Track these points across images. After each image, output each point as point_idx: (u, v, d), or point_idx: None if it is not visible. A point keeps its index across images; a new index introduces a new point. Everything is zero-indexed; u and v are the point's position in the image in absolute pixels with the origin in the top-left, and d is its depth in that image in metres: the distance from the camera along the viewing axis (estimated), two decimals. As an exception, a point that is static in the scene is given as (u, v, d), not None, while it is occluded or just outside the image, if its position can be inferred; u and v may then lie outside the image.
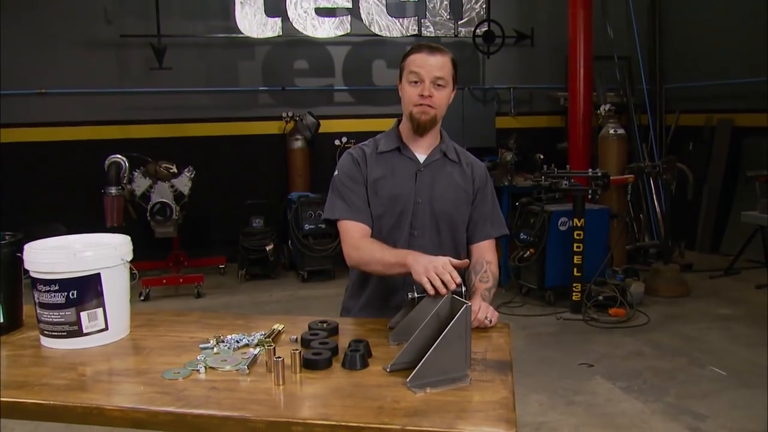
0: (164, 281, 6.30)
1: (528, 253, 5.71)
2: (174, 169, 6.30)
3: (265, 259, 6.75)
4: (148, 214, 6.19)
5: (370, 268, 2.12)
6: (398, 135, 2.28)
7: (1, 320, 1.96)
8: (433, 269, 1.82)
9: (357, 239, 2.16)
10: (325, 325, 1.96)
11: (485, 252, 2.28)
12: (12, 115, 6.85)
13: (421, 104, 2.14)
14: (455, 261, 1.88)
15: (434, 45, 2.18)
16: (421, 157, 2.25)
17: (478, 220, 2.29)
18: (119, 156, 6.00)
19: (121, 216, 5.96)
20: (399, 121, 2.30)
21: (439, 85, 2.13)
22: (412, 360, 1.63)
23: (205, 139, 7.40)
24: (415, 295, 1.88)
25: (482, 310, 1.99)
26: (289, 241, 6.94)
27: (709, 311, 5.47)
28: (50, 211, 6.73)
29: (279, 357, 1.60)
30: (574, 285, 5.44)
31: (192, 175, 6.42)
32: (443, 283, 1.79)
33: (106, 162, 5.99)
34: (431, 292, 1.80)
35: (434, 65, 2.12)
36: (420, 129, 2.20)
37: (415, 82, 2.14)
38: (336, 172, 2.27)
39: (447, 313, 1.70)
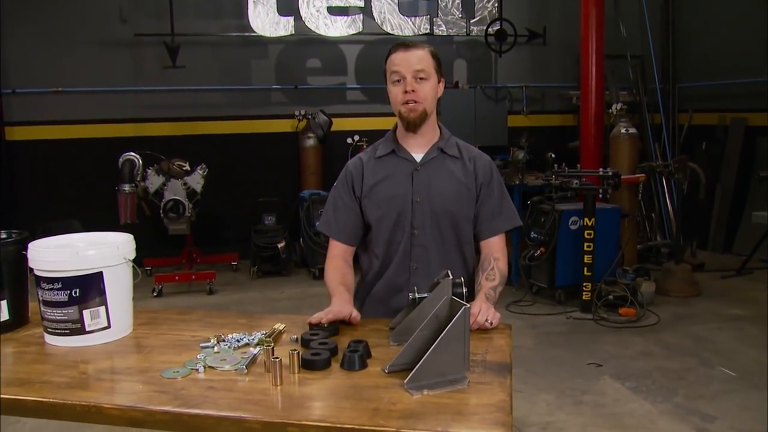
0: (177, 278, 6.35)
1: (538, 251, 5.69)
2: (187, 167, 6.35)
3: (277, 256, 6.79)
4: (161, 212, 6.24)
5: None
6: (394, 138, 2.29)
7: (7, 317, 1.99)
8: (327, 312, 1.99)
9: (330, 264, 2.28)
10: (326, 325, 1.97)
11: (494, 248, 2.26)
12: (28, 113, 6.95)
13: (407, 102, 2.15)
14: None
15: (410, 41, 2.18)
16: (418, 156, 2.25)
17: (485, 216, 2.27)
18: (133, 153, 6.05)
19: (134, 213, 6.01)
20: (396, 125, 2.31)
21: (421, 79, 2.13)
22: (410, 361, 1.62)
23: (218, 137, 7.45)
24: (416, 295, 1.89)
25: (482, 312, 1.97)
26: (301, 239, 6.96)
27: (720, 311, 5.43)
28: (66, 207, 6.80)
29: (277, 357, 1.60)
30: (585, 284, 5.42)
31: (205, 173, 6.45)
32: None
33: (120, 159, 6.04)
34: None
35: (412, 60, 2.12)
36: (411, 126, 2.21)
37: (398, 81, 2.15)
38: (335, 183, 2.35)
39: (446, 314, 1.70)
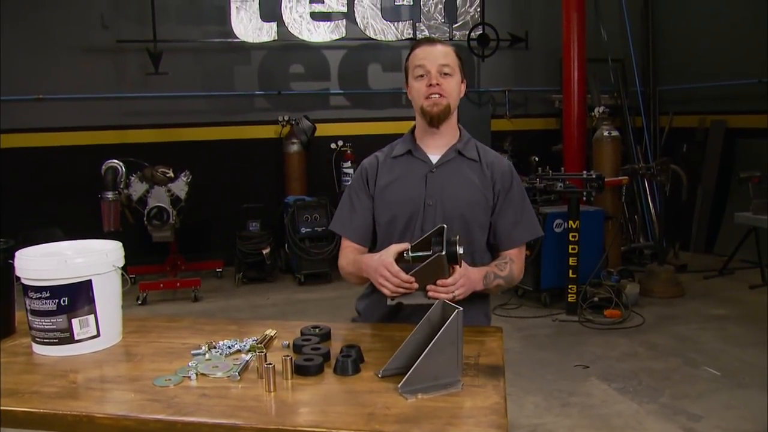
0: (161, 285, 6.29)
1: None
2: (171, 174, 6.29)
3: (262, 262, 6.76)
4: (145, 219, 6.18)
5: (352, 281, 2.24)
6: (412, 138, 2.24)
7: (-7, 327, 1.97)
8: (380, 277, 1.92)
9: (344, 259, 2.23)
10: (317, 330, 1.95)
11: (511, 253, 2.22)
12: (9, 120, 6.84)
13: (430, 95, 2.09)
14: (399, 246, 1.95)
15: (435, 38, 2.17)
16: (434, 158, 2.19)
17: (504, 226, 2.19)
18: (116, 161, 6.01)
19: (118, 221, 5.97)
20: (415, 126, 2.26)
21: (446, 74, 2.09)
22: (403, 365, 1.63)
23: (202, 143, 7.40)
24: (410, 254, 1.90)
25: (458, 285, 1.92)
26: (286, 245, 6.94)
27: (703, 312, 5.48)
28: (48, 216, 6.72)
29: (270, 363, 1.60)
30: (570, 286, 5.45)
31: (189, 180, 6.40)
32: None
33: (103, 167, 6.00)
34: (390, 296, 1.92)
35: (437, 54, 2.09)
36: (434, 121, 2.14)
37: (421, 76, 2.10)
38: (349, 182, 2.32)
39: (438, 318, 1.70)
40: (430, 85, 2.08)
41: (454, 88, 2.12)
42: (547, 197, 5.78)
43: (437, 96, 2.09)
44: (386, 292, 1.92)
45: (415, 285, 1.89)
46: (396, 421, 1.43)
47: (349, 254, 2.21)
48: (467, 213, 2.15)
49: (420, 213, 2.14)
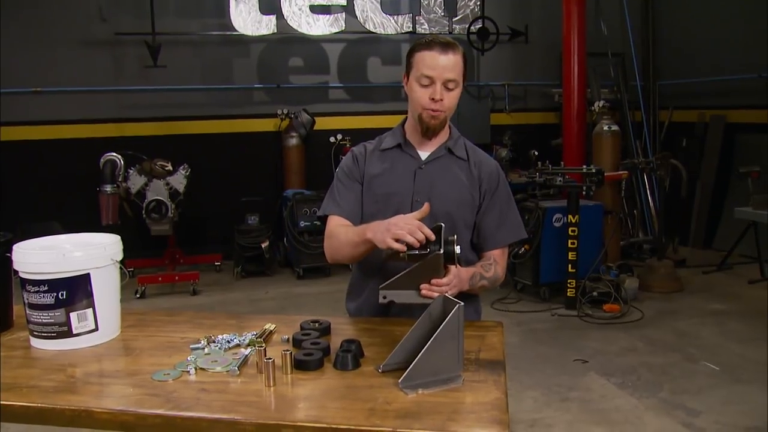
0: (160, 279, 6.29)
1: (523, 249, 5.71)
2: (169, 167, 6.29)
3: (261, 256, 6.75)
4: (143, 212, 6.17)
5: (342, 253, 2.12)
6: (402, 132, 2.22)
7: (-9, 321, 1.95)
8: (394, 228, 1.80)
9: (333, 224, 2.15)
10: (317, 324, 1.94)
11: (495, 254, 2.20)
12: (7, 113, 6.82)
13: (431, 108, 2.06)
14: (418, 212, 1.87)
15: (445, 40, 2.05)
16: (424, 155, 2.17)
17: (488, 226, 2.18)
18: (114, 154, 6.00)
19: (116, 214, 5.96)
20: (406, 118, 2.23)
21: (449, 88, 2.05)
22: (404, 360, 1.62)
23: (201, 136, 7.39)
24: (407, 252, 1.84)
25: (452, 286, 1.88)
26: (285, 239, 6.94)
27: (702, 307, 5.48)
28: (46, 209, 6.72)
29: (270, 358, 1.58)
30: (569, 281, 5.45)
31: (187, 173, 6.39)
32: (419, 241, 1.78)
33: (102, 160, 5.99)
34: (402, 249, 1.78)
35: (446, 66, 2.02)
36: (429, 132, 2.13)
37: (426, 85, 2.05)
38: (337, 169, 2.26)
39: (439, 313, 1.69)
40: (433, 99, 2.05)
41: (455, 100, 2.09)
42: (547, 191, 5.78)
43: (437, 111, 2.07)
44: (404, 238, 1.78)
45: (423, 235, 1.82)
46: (396, 417, 1.42)
47: (341, 227, 2.13)
48: (454, 211, 2.13)
49: (407, 210, 2.10)
